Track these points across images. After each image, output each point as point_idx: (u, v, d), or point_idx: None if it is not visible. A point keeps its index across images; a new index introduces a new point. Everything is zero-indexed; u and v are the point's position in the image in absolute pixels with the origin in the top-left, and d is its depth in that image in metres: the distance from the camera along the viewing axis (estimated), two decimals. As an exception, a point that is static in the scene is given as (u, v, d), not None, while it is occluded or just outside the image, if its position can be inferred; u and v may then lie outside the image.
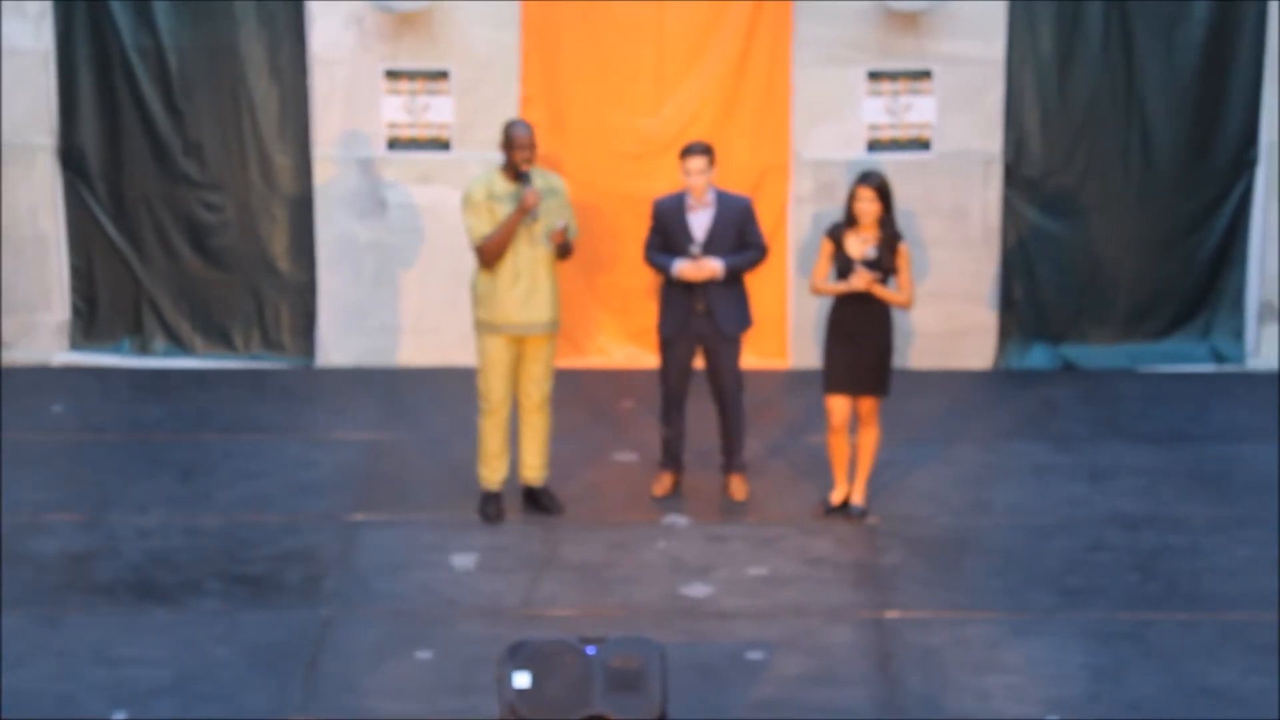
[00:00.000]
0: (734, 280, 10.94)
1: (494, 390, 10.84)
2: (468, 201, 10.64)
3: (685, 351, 11.07)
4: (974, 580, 10.32)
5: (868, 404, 10.81)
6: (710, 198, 10.90)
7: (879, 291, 10.63)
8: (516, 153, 10.55)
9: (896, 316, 13.16)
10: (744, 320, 11.04)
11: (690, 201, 10.91)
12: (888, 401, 11.01)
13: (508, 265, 10.64)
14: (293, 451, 11.89)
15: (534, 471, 11.12)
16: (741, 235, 10.91)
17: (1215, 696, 9.13)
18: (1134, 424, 12.38)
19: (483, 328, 10.77)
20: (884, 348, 10.76)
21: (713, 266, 10.82)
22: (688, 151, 10.85)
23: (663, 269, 10.93)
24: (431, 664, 9.44)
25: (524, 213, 10.52)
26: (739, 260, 10.87)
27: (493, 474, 11.02)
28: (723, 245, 10.87)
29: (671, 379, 11.13)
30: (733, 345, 11.05)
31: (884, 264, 10.63)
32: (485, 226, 10.59)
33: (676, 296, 10.97)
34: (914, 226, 13.04)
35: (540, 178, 10.68)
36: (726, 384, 11.10)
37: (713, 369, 11.09)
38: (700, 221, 10.89)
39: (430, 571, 10.40)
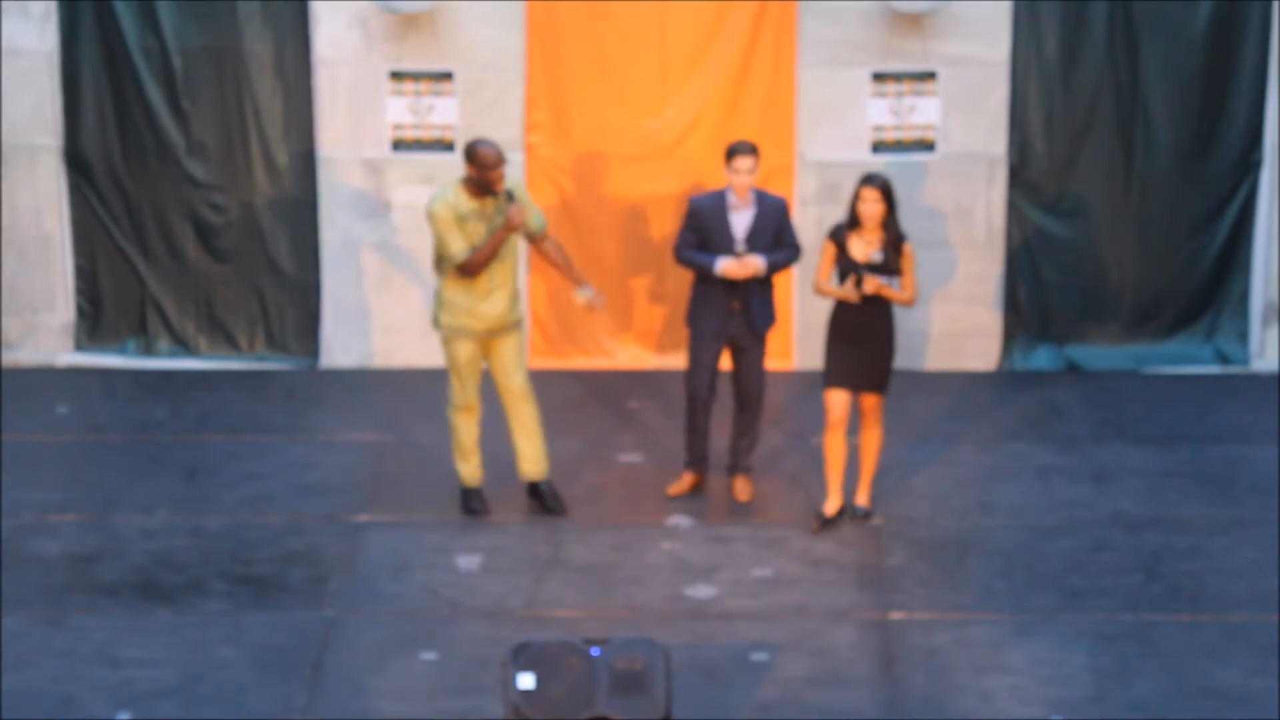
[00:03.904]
0: (768, 279, 11.02)
1: (467, 390, 10.95)
2: (440, 221, 10.65)
3: (715, 351, 11.11)
4: (977, 581, 10.32)
5: (870, 402, 10.82)
6: (751, 197, 10.96)
7: (885, 292, 10.64)
8: (490, 173, 10.61)
9: (901, 318, 13.17)
10: (772, 317, 11.14)
11: (733, 200, 10.95)
12: (891, 403, 11.01)
13: (483, 275, 10.75)
14: (296, 452, 11.90)
15: (533, 465, 11.14)
16: (778, 234, 10.96)
17: (1218, 697, 9.13)
18: (1137, 425, 12.38)
19: (451, 332, 10.86)
20: (886, 347, 10.77)
21: (757, 264, 10.85)
22: (736, 150, 10.87)
23: (701, 267, 10.94)
24: (435, 665, 9.45)
25: (512, 230, 10.64)
26: (778, 258, 10.96)
27: (471, 470, 11.12)
28: (761, 244, 10.94)
29: (699, 380, 11.15)
30: (761, 344, 11.13)
31: (889, 266, 10.64)
32: (462, 243, 10.67)
33: (714, 294, 11.01)
34: (918, 228, 13.03)
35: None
36: (752, 383, 11.14)
37: (740, 368, 11.14)
38: (742, 220, 10.93)
39: (434, 572, 10.41)
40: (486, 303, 10.78)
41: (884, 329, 10.75)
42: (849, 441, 11.00)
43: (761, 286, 11.01)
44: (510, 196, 10.68)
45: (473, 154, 10.60)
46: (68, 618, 9.89)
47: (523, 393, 11.02)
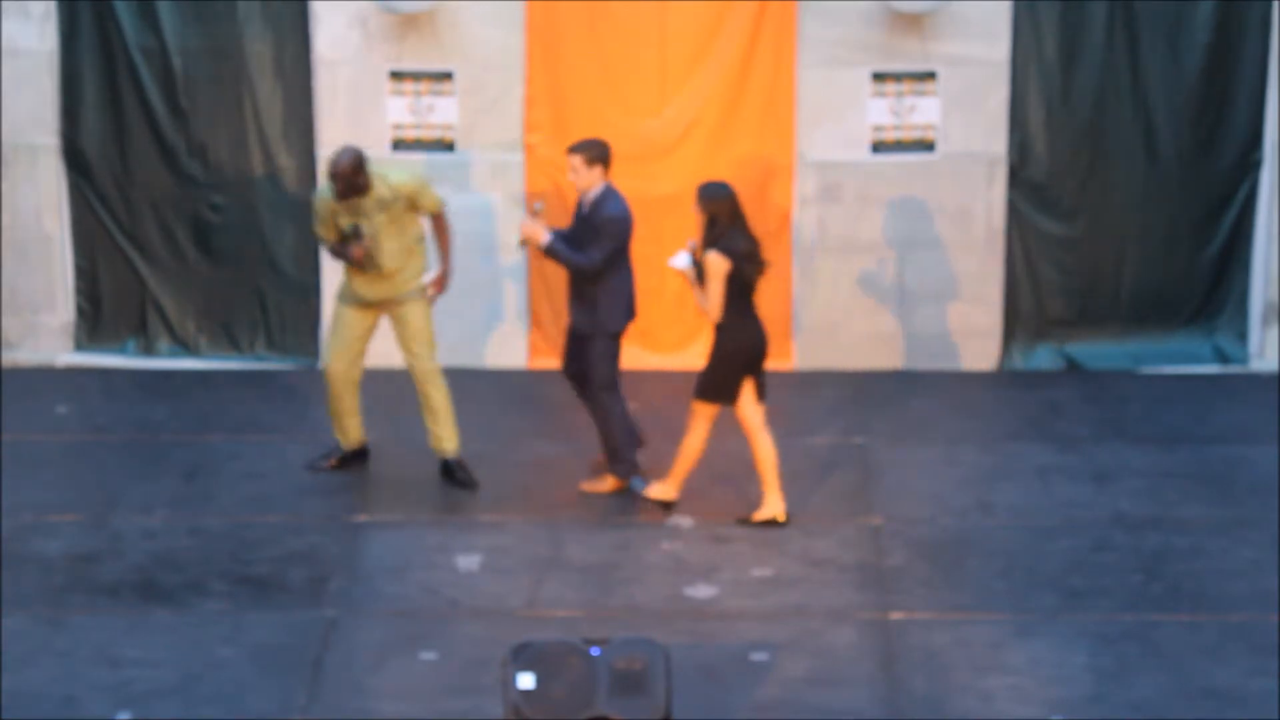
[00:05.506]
0: (581, 279, 11.06)
1: (333, 347, 11.34)
2: (314, 213, 11.23)
3: (571, 338, 11.36)
4: (977, 581, 10.32)
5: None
6: (590, 197, 11.02)
7: (688, 284, 10.74)
8: (345, 184, 10.95)
9: (901, 317, 13.18)
10: (593, 321, 11.13)
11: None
12: (891, 402, 11.00)
13: (377, 263, 11.16)
14: (296, 452, 11.89)
15: (444, 443, 11.47)
16: (589, 240, 11.06)
17: (1218, 697, 9.13)
18: (1137, 425, 12.38)
19: (341, 298, 11.36)
20: (712, 353, 10.78)
21: (534, 230, 10.97)
22: (569, 150, 11.06)
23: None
24: (435, 665, 9.45)
25: (346, 260, 11.12)
26: (563, 249, 11.00)
27: (341, 435, 11.63)
28: (577, 242, 11.05)
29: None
30: (591, 341, 11.17)
31: (702, 274, 10.67)
32: (328, 232, 11.18)
33: None
34: (917, 228, 13.05)
35: (382, 184, 11.03)
36: (589, 378, 11.25)
37: None
38: (579, 217, 11.13)
39: (434, 572, 10.41)
40: (363, 281, 11.17)
41: (715, 335, 10.78)
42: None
43: (576, 286, 11.11)
44: (356, 233, 11.02)
45: (332, 174, 10.92)
46: (68, 618, 9.88)
47: (426, 374, 11.32)
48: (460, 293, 12.96)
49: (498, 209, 13.00)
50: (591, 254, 10.95)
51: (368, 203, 11.01)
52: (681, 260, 10.66)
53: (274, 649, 9.58)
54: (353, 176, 10.89)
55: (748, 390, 10.83)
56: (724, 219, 10.59)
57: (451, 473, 11.44)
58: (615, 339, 11.18)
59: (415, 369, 11.31)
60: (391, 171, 11.15)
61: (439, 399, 11.35)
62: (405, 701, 9.10)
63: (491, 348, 13.30)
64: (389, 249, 11.09)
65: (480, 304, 13.23)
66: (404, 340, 11.30)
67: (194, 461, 11.80)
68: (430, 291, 11.35)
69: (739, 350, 10.73)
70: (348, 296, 11.29)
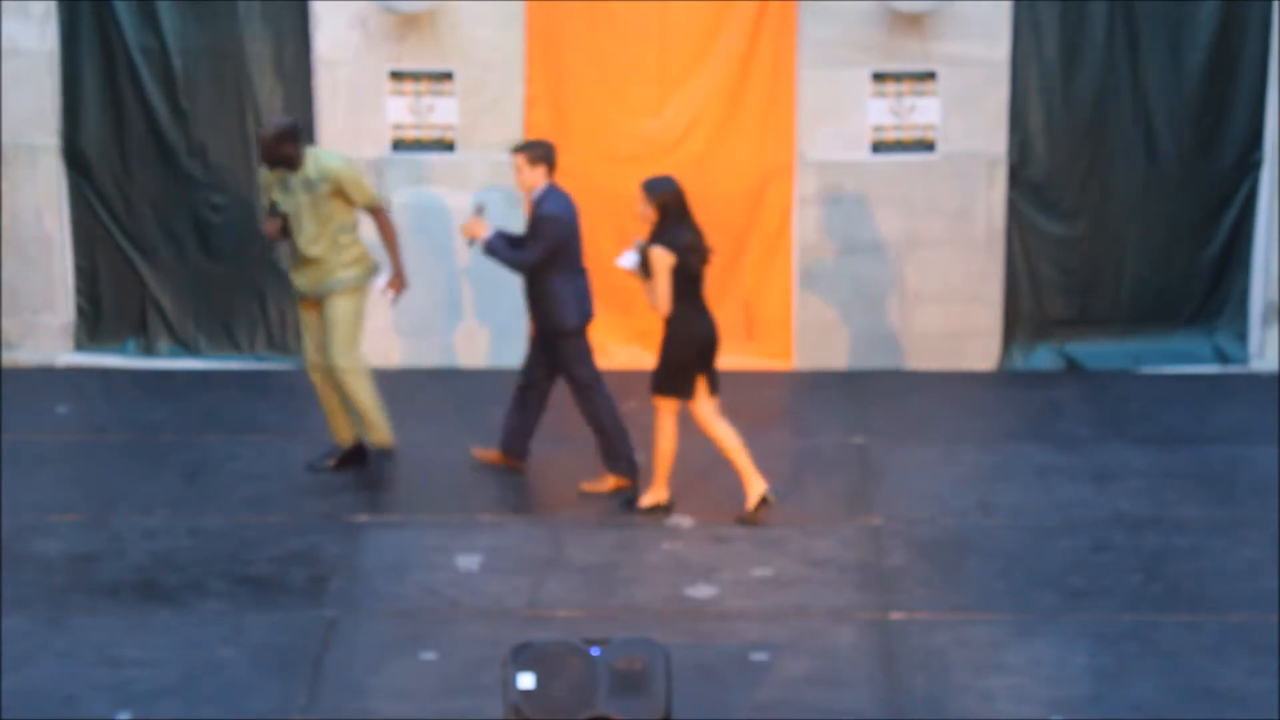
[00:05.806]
0: (530, 279, 11.10)
1: (304, 346, 11.38)
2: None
3: (533, 341, 11.41)
4: (977, 581, 10.32)
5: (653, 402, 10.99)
6: (534, 196, 11.08)
7: (641, 284, 10.77)
8: (258, 149, 11.12)
9: (901, 317, 13.19)
10: (547, 323, 11.17)
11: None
12: (891, 402, 10.99)
13: (298, 245, 11.11)
14: (296, 452, 11.89)
15: (372, 432, 11.41)
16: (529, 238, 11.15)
17: (1218, 697, 9.13)
18: (1137, 425, 12.39)
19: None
20: (662, 349, 10.82)
21: (477, 227, 11.03)
22: (512, 149, 11.13)
23: None
24: (435, 665, 9.45)
25: (268, 235, 11.18)
26: (502, 247, 11.05)
27: (334, 430, 11.60)
28: (519, 242, 11.13)
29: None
30: (553, 345, 11.19)
31: (646, 267, 10.70)
32: (263, 207, 11.28)
33: None
34: (917, 228, 13.05)
35: (313, 164, 11.01)
36: (569, 383, 11.29)
37: None
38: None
39: (434, 572, 10.41)
40: (298, 270, 11.16)
41: (666, 328, 10.80)
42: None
43: (526, 283, 11.14)
44: (274, 207, 11.01)
45: (257, 140, 11.09)
46: (68, 618, 9.88)
47: (333, 370, 11.18)
48: (459, 292, 12.97)
49: (497, 209, 12.99)
50: (527, 253, 11.02)
51: (296, 179, 11.00)
52: (629, 259, 10.71)
53: (274, 649, 9.58)
54: (275, 145, 10.87)
55: (699, 385, 10.85)
56: (672, 211, 10.62)
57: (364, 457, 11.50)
58: (579, 337, 11.19)
59: (329, 363, 11.19)
60: (328, 154, 11.13)
61: (353, 396, 11.19)
62: (405, 701, 9.10)
63: (491, 347, 13.30)
64: (308, 232, 11.04)
65: (479, 304, 13.23)
66: (318, 337, 11.24)
67: (194, 462, 11.80)
68: (389, 293, 11.32)
69: (690, 339, 10.74)
70: (294, 291, 11.35)
